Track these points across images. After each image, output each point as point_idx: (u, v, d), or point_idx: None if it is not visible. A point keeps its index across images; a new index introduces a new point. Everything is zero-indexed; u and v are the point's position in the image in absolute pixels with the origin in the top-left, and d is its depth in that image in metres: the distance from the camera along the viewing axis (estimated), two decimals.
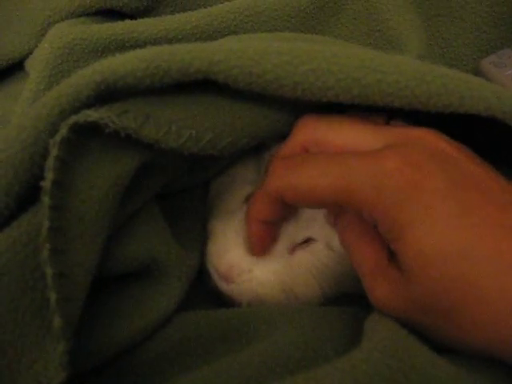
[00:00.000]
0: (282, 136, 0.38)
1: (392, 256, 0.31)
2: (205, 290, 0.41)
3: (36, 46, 0.51)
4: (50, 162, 0.28)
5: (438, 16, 0.57)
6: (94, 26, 0.48)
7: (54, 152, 0.28)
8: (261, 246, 0.37)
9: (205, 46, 0.34)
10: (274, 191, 0.34)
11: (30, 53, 0.52)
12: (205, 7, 0.51)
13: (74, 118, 0.29)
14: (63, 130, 0.29)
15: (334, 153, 0.33)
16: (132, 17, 0.50)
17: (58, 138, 0.28)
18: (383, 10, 0.56)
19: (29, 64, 0.52)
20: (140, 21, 0.48)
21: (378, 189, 0.29)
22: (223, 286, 0.39)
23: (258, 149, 0.42)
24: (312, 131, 0.35)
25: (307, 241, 0.38)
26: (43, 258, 0.27)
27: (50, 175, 0.28)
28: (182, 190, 0.42)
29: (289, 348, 0.32)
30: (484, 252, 0.27)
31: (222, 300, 0.40)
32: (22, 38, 0.52)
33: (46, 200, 0.27)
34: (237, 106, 0.34)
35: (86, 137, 0.30)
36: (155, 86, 0.32)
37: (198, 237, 0.42)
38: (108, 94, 0.32)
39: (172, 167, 0.37)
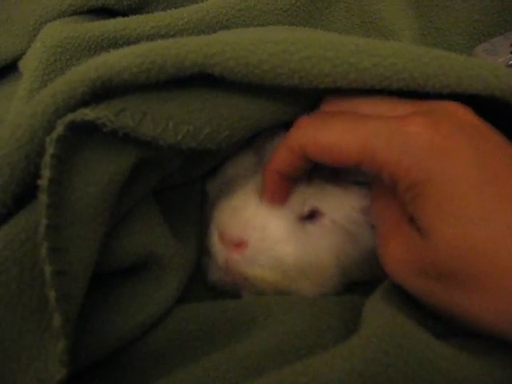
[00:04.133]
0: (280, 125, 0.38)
1: (411, 221, 0.31)
2: (203, 283, 0.40)
3: (29, 46, 0.51)
4: (47, 160, 0.28)
5: (430, 6, 0.57)
6: (86, 24, 0.47)
7: (50, 150, 0.28)
8: (276, 196, 0.37)
9: (199, 39, 0.34)
10: (297, 144, 0.34)
11: (23, 53, 0.52)
12: (196, 3, 0.51)
13: (70, 117, 0.29)
14: (59, 128, 0.29)
15: (362, 114, 0.34)
16: (124, 14, 0.50)
17: (54, 135, 0.29)
18: (375, 2, 0.56)
19: (22, 64, 0.52)
20: (132, 18, 0.48)
21: (401, 149, 0.30)
22: (233, 258, 0.37)
23: (253, 143, 0.43)
24: (305, 131, 0.34)
25: (313, 214, 0.38)
26: (42, 256, 0.27)
27: (46, 173, 0.28)
28: (178, 184, 0.42)
29: (288, 337, 0.32)
30: (508, 221, 0.27)
31: (220, 292, 0.39)
32: (14, 38, 0.53)
33: (43, 198, 0.28)
34: (233, 99, 0.34)
35: (82, 134, 0.30)
36: (151, 81, 0.32)
37: (195, 230, 0.42)
38: (104, 91, 0.31)
39: (168, 162, 0.37)
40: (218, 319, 0.35)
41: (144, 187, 0.36)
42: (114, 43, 0.47)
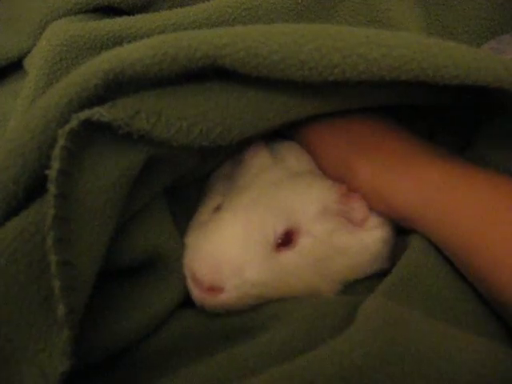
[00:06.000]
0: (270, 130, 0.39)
1: None
2: None
3: (34, 45, 0.51)
4: (57, 152, 0.28)
5: (437, 4, 0.57)
6: (92, 22, 0.47)
7: (61, 142, 0.28)
8: None
9: (210, 31, 0.34)
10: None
11: (29, 51, 0.52)
12: (202, 2, 0.51)
13: (86, 114, 0.29)
14: (73, 122, 0.29)
15: None
16: (129, 13, 0.50)
17: (66, 128, 0.29)
18: (382, 1, 0.56)
19: (28, 62, 0.52)
20: (138, 16, 0.48)
21: None
22: (207, 302, 0.35)
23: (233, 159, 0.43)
24: None
25: (289, 236, 0.37)
26: (48, 246, 0.27)
27: (56, 164, 0.28)
28: (189, 182, 0.42)
29: (291, 339, 0.32)
30: None
31: None
32: (20, 36, 0.52)
33: (51, 188, 0.28)
34: (245, 98, 0.34)
35: (94, 128, 0.30)
36: (163, 74, 0.32)
37: None
38: (117, 85, 0.32)
39: (183, 160, 0.37)
40: (221, 323, 0.35)
41: (156, 185, 0.36)
42: (120, 42, 0.47)
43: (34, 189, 0.30)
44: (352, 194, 0.39)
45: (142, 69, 0.31)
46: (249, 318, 0.35)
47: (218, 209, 0.39)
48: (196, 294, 0.35)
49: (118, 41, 0.47)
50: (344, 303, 0.34)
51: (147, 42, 0.33)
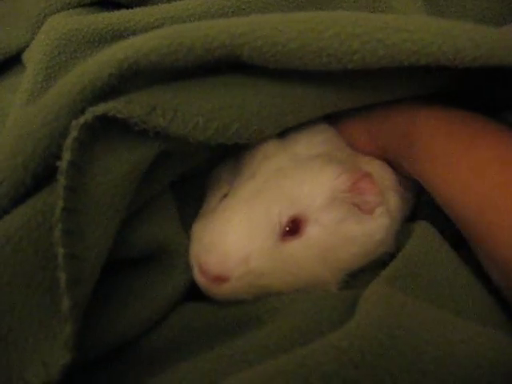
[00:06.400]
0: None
1: None
2: None
3: (32, 39, 0.51)
4: (69, 143, 0.28)
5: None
6: (90, 16, 0.47)
7: (73, 133, 0.28)
8: None
9: (227, 20, 0.33)
10: None
11: (27, 45, 0.52)
12: None
13: (102, 109, 0.29)
14: (88, 116, 0.28)
15: None
16: (128, 7, 0.50)
17: (81, 120, 0.28)
18: None
19: (26, 56, 0.52)
20: (136, 10, 0.48)
21: None
22: (214, 291, 0.35)
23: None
24: None
25: (296, 225, 0.36)
26: (55, 238, 0.27)
27: (67, 155, 0.28)
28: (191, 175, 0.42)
29: (291, 332, 0.32)
30: None
31: None
32: (18, 30, 0.52)
33: (61, 180, 0.27)
34: (262, 95, 0.34)
35: (108, 122, 0.30)
36: (179, 64, 0.31)
37: None
38: (131, 74, 0.31)
39: (191, 154, 0.37)
40: (222, 317, 0.35)
41: (165, 178, 0.36)
42: (119, 35, 0.47)
43: (42, 177, 0.29)
44: (365, 180, 0.37)
45: (157, 58, 0.31)
46: (248, 310, 0.35)
47: (224, 197, 0.38)
48: (202, 282, 0.35)
49: (116, 34, 0.47)
50: (343, 297, 0.34)
51: (162, 31, 0.32)
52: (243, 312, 0.35)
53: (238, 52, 0.32)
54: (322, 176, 0.37)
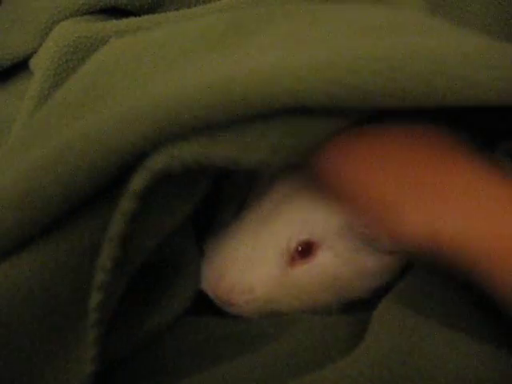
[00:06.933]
0: None
1: None
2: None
3: (40, 45, 0.51)
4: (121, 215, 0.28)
5: (443, 6, 0.56)
6: (99, 23, 0.47)
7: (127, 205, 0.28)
8: None
9: (279, 57, 0.30)
10: None
11: (35, 52, 0.52)
12: (209, 3, 0.51)
13: (144, 176, 0.28)
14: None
15: None
16: (136, 14, 0.50)
17: (135, 187, 0.28)
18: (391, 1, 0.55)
19: (34, 63, 0.51)
20: (145, 17, 0.47)
21: None
22: (226, 308, 0.37)
23: None
24: None
25: (308, 247, 0.36)
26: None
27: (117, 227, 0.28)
28: None
29: (297, 351, 0.31)
30: None
31: None
32: (26, 36, 0.52)
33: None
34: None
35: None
36: (226, 118, 0.28)
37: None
38: (168, 135, 0.28)
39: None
40: (227, 332, 0.35)
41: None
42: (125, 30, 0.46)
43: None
44: None
45: (201, 113, 0.27)
46: (255, 329, 0.35)
47: (240, 208, 0.38)
48: (215, 302, 0.37)
49: None
50: (350, 319, 0.34)
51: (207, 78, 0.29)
52: (248, 327, 0.35)
53: (302, 99, 0.27)
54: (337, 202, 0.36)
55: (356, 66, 0.28)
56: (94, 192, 0.29)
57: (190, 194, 0.32)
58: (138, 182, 0.28)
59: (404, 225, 0.30)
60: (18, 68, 0.54)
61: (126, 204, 0.28)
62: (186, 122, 0.27)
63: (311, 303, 0.37)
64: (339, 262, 0.36)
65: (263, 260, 0.35)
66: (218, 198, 0.41)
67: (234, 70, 0.29)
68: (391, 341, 0.27)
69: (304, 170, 0.34)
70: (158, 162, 0.27)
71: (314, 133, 0.29)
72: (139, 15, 0.48)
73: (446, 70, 0.28)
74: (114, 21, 0.47)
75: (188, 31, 0.38)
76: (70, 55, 0.45)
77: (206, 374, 0.31)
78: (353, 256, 0.36)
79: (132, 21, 0.47)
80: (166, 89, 0.30)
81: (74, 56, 0.46)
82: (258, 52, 0.32)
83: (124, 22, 0.47)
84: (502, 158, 0.38)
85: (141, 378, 0.34)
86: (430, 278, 0.34)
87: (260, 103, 0.27)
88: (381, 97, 0.28)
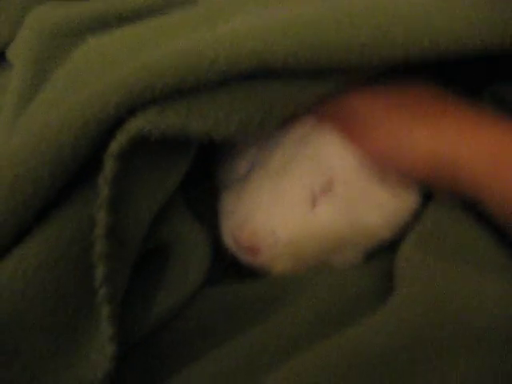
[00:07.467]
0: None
1: None
2: (224, 265, 0.40)
3: (15, 34, 0.49)
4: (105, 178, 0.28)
5: None
6: (74, 6, 0.46)
7: (109, 164, 0.28)
8: None
9: (246, 27, 0.31)
10: None
11: (11, 41, 0.50)
12: None
13: (120, 140, 0.28)
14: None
15: None
16: None
17: (115, 149, 0.28)
18: None
19: (11, 53, 0.50)
20: None
21: None
22: (249, 260, 0.38)
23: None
24: None
25: (326, 185, 0.37)
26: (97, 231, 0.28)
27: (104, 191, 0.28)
28: None
29: (320, 310, 0.32)
30: None
31: (243, 272, 0.40)
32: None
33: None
34: (279, 81, 0.32)
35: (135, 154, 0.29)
36: (199, 83, 0.29)
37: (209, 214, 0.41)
38: (142, 102, 0.29)
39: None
40: (246, 299, 0.36)
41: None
42: (105, 24, 0.45)
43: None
44: None
45: (173, 81, 0.29)
46: (273, 292, 0.36)
47: (254, 162, 0.39)
48: (239, 254, 0.38)
49: (102, 23, 0.45)
50: (369, 270, 0.35)
51: (179, 47, 0.30)
52: (265, 291, 0.36)
53: (270, 60, 0.30)
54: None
55: (317, 26, 0.30)
56: (79, 166, 0.29)
57: (177, 160, 0.33)
58: (115, 144, 0.28)
59: (413, 148, 0.36)
60: None
61: (107, 167, 0.28)
62: (158, 88, 0.29)
63: (335, 247, 0.38)
64: (353, 192, 0.38)
65: (286, 204, 0.37)
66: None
67: (202, 39, 0.31)
68: (424, 290, 0.28)
69: (311, 116, 0.38)
70: (134, 126, 0.29)
71: (284, 103, 0.32)
72: None
73: (402, 21, 0.30)
74: (91, 3, 0.46)
75: (165, 21, 0.39)
76: (48, 42, 0.44)
77: (233, 342, 0.32)
78: (365, 189, 0.38)
79: (109, 0, 0.45)
80: (139, 61, 0.31)
81: (53, 42, 0.44)
82: (224, 23, 0.34)
83: (99, 2, 0.45)
84: (487, 104, 0.40)
85: (162, 355, 0.34)
86: (445, 221, 0.35)
87: (228, 67, 0.29)
88: (344, 52, 0.30)
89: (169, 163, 0.33)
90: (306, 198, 0.37)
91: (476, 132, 0.35)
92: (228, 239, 0.38)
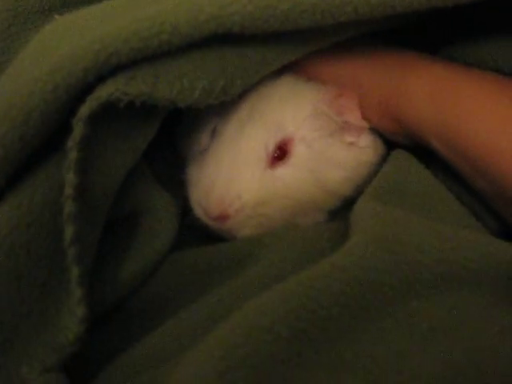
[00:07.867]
0: None
1: None
2: (193, 229, 0.41)
3: None
4: (74, 142, 0.29)
5: None
6: None
7: (79, 128, 0.29)
8: None
9: None
10: None
11: None
12: None
13: (90, 105, 0.29)
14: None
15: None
16: None
17: (85, 113, 0.29)
18: None
19: None
20: None
21: None
22: (218, 226, 0.39)
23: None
24: None
25: (283, 150, 0.39)
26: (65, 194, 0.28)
27: (72, 154, 0.28)
28: None
29: (284, 265, 0.34)
30: None
31: (213, 236, 0.41)
32: None
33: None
34: (241, 47, 0.34)
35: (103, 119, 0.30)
36: (163, 49, 0.30)
37: (177, 180, 0.42)
38: (109, 67, 0.30)
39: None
40: (214, 259, 0.37)
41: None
42: (72, 2, 0.45)
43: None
44: (346, 96, 0.39)
45: (138, 44, 0.29)
46: (239, 252, 0.37)
47: (214, 131, 0.40)
48: (208, 222, 0.39)
49: (72, 2, 0.45)
50: (330, 228, 0.36)
51: (139, 14, 0.31)
52: (232, 251, 0.37)
53: (228, 23, 0.31)
54: (304, 93, 0.40)
55: None
56: (50, 131, 0.30)
57: (143, 127, 0.34)
58: (85, 109, 0.29)
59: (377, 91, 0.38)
60: None
61: (76, 130, 0.29)
62: (124, 53, 0.29)
63: (301, 201, 0.39)
64: (313, 154, 0.39)
65: (245, 167, 0.38)
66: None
67: (164, 7, 0.32)
68: (377, 232, 0.29)
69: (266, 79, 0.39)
70: (103, 92, 0.29)
71: (245, 70, 0.34)
72: None
73: None
74: None
75: None
76: (11, 20, 0.44)
77: (200, 302, 0.33)
78: (324, 147, 0.39)
79: None
80: (105, 29, 0.31)
81: (16, 20, 0.44)
82: None
83: None
84: None
85: (138, 318, 0.35)
86: (398, 177, 0.36)
87: (190, 31, 0.30)
88: (294, 15, 0.31)
89: (136, 129, 0.34)
90: (260, 158, 0.38)
91: (415, 68, 0.37)
92: (198, 209, 0.39)
